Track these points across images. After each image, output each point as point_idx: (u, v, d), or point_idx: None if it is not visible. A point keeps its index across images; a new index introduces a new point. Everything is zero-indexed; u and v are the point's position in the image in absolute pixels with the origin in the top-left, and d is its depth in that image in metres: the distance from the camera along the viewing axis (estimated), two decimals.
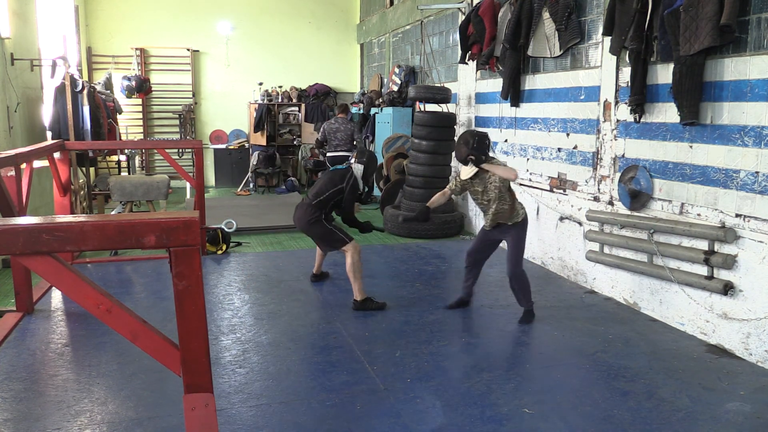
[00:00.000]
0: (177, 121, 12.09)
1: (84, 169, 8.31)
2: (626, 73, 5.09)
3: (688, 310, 4.58)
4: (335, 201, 5.20)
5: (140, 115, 12.11)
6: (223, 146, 12.50)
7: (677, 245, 4.61)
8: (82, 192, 7.71)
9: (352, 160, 5.31)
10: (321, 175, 5.51)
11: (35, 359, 4.11)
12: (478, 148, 4.47)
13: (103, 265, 6.49)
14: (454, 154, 4.83)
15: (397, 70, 10.48)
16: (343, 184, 5.16)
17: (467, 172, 4.54)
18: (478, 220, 7.92)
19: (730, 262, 4.17)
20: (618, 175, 5.27)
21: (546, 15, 6.10)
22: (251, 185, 11.87)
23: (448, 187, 4.81)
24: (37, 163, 5.84)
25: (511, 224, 4.69)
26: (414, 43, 10.25)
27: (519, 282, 4.77)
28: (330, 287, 5.73)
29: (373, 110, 10.58)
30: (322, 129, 9.03)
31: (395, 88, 10.32)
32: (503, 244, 4.93)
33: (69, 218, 2.09)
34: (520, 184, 6.85)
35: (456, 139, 8.06)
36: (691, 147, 4.51)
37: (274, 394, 3.61)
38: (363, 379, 3.80)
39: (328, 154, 8.93)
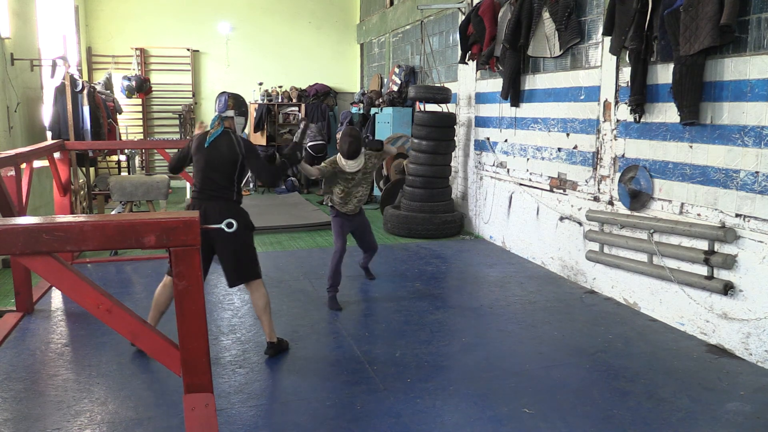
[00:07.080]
0: (177, 121, 12.10)
1: (84, 169, 8.32)
2: (626, 73, 5.09)
3: (688, 310, 4.58)
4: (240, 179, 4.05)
5: (140, 115, 12.12)
6: None
7: (677, 245, 4.60)
8: (82, 192, 7.71)
9: (232, 112, 4.10)
10: (201, 152, 3.95)
11: (35, 359, 4.11)
12: (365, 141, 5.23)
13: (103, 265, 6.49)
14: (345, 149, 4.93)
15: (397, 70, 10.48)
16: (243, 152, 3.95)
17: (354, 165, 4.97)
18: (478, 220, 7.92)
19: (730, 262, 4.17)
20: (618, 175, 5.27)
21: (546, 15, 6.10)
22: (251, 185, 11.87)
23: (318, 168, 5.08)
24: (37, 163, 5.85)
25: (362, 207, 5.39)
26: (414, 43, 10.25)
27: (375, 251, 5.74)
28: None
29: (373, 110, 10.58)
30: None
31: (395, 88, 10.32)
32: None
33: (69, 218, 2.10)
34: (521, 184, 6.85)
35: (453, 138, 8.11)
36: (691, 147, 4.51)
37: (274, 394, 3.61)
38: (363, 379, 3.80)
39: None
